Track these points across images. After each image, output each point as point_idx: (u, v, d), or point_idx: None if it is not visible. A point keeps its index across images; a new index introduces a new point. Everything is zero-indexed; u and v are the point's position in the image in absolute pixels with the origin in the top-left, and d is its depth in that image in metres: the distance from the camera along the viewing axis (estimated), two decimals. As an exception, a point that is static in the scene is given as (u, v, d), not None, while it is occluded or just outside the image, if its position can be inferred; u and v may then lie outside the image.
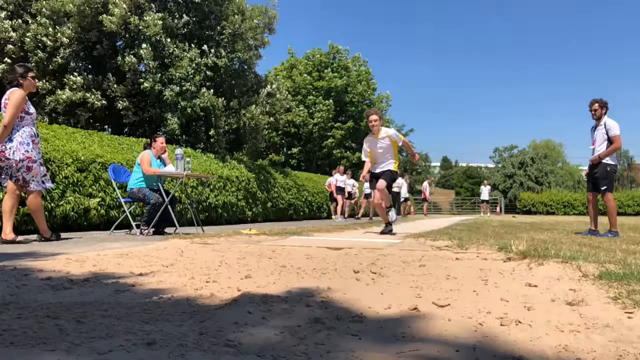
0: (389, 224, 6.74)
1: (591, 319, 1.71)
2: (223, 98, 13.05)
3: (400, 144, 6.67)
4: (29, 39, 11.84)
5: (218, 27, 13.61)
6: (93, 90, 12.20)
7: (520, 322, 1.68)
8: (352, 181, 16.90)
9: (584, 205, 26.04)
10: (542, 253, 3.07)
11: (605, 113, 6.64)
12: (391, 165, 6.63)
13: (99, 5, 11.83)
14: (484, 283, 2.47)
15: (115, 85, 12.23)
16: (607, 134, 6.52)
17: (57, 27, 11.98)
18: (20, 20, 12.15)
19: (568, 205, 31.32)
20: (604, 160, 6.53)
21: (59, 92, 11.91)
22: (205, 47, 12.83)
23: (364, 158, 6.87)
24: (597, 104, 6.65)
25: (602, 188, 6.54)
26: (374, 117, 6.65)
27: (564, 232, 7.29)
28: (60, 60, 12.05)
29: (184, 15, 12.71)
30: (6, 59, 11.82)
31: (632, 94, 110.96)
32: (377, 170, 6.68)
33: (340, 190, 15.33)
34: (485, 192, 25.22)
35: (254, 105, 14.10)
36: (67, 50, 12.02)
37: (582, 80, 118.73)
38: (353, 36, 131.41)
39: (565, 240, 5.11)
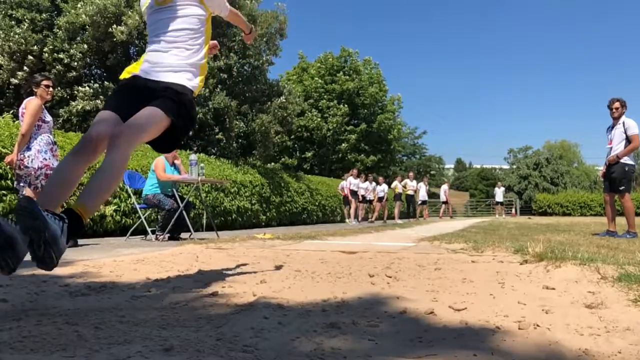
0: None
1: (611, 322, 1.68)
2: (236, 101, 13.18)
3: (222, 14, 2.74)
4: (46, 54, 12.10)
5: (228, 33, 13.74)
6: (101, 97, 12.37)
7: (538, 325, 1.66)
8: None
9: (601, 206, 25.60)
10: (560, 255, 3.03)
11: (624, 112, 6.56)
12: (185, 73, 2.35)
13: (112, 16, 12.00)
14: (500, 286, 2.45)
15: None
16: (625, 133, 6.43)
17: (72, 41, 12.20)
18: (41, 35, 12.42)
19: (585, 206, 30.90)
20: (622, 160, 6.43)
21: (72, 103, 12.12)
22: None
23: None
24: (618, 103, 6.56)
25: (620, 188, 6.44)
26: None
27: (581, 233, 7.19)
28: (75, 73, 12.28)
29: None
30: (25, 67, 12.07)
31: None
32: (152, 76, 2.31)
33: (354, 193, 15.27)
34: (499, 193, 24.95)
35: (265, 114, 14.19)
36: (81, 62, 12.23)
37: (596, 80, 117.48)
38: (364, 39, 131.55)
39: (583, 242, 5.03)
